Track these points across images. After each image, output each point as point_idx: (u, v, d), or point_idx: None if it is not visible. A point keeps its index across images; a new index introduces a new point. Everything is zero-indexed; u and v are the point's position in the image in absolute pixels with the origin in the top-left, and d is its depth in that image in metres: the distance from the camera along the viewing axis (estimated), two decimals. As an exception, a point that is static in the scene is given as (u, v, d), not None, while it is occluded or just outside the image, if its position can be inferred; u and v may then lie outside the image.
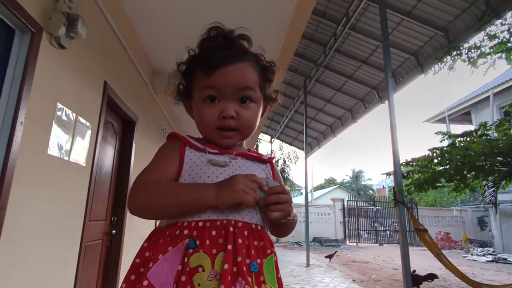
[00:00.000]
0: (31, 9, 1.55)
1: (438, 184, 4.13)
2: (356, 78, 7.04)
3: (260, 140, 15.13)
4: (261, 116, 0.82)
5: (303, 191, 30.22)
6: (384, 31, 3.75)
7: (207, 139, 0.77)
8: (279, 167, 18.06)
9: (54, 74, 1.80)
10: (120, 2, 2.64)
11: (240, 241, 0.64)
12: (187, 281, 0.60)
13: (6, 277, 1.47)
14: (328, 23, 5.85)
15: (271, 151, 15.91)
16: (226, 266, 0.60)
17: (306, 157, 8.80)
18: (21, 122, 1.51)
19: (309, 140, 9.68)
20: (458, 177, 3.94)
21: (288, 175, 18.40)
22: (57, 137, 1.84)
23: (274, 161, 0.87)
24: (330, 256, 7.98)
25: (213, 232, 0.64)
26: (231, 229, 0.65)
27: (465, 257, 10.61)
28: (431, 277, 4.99)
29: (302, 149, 11.53)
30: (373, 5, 4.98)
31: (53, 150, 1.80)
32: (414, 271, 4.63)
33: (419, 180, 3.98)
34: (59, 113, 1.84)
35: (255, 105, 0.76)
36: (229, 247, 0.62)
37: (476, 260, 9.88)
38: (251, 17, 2.75)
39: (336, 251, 8.61)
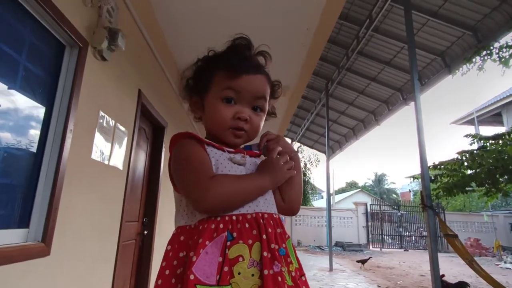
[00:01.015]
0: (79, 25, 1.69)
1: (468, 189, 4.01)
2: (379, 80, 6.94)
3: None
4: None
5: (324, 194, 29.83)
6: (410, 32, 3.70)
7: (216, 136, 0.81)
8: (299, 170, 17.97)
9: (97, 85, 1.93)
10: (153, 14, 2.77)
11: (270, 230, 0.71)
12: (229, 271, 0.65)
13: (60, 273, 1.60)
14: (351, 25, 5.82)
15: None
16: (265, 254, 0.67)
17: (328, 160, 8.73)
18: (71, 130, 1.64)
19: (330, 143, 9.59)
20: (489, 181, 3.80)
21: (309, 178, 18.23)
22: (99, 142, 1.97)
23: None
24: (363, 261, 7.93)
25: (247, 225, 0.71)
26: (261, 221, 0.72)
27: (498, 265, 10.10)
28: (462, 285, 4.80)
29: (324, 152, 11.43)
30: (397, 6, 4.92)
31: (96, 155, 1.93)
32: (443, 275, 4.48)
33: (448, 184, 3.87)
34: (101, 120, 1.98)
35: (263, 114, 0.84)
36: (264, 236, 0.69)
37: (510, 269, 9.39)
38: (277, 23, 2.81)
39: (370, 257, 8.55)
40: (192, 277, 0.63)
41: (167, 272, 0.69)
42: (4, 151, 1.33)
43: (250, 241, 0.68)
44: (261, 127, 0.85)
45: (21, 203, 1.43)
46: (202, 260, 0.65)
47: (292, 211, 0.88)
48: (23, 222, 1.43)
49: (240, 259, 0.66)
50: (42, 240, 1.46)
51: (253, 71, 0.79)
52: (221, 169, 0.75)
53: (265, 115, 0.86)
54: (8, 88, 1.33)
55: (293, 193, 0.86)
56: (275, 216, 0.77)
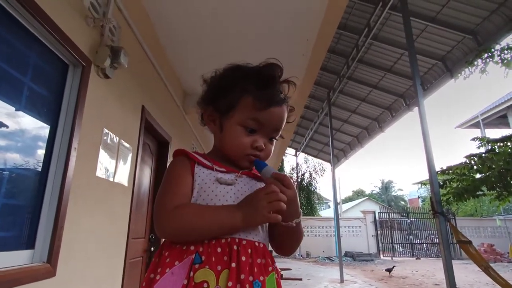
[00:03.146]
0: (82, 45, 1.71)
1: (479, 193, 3.93)
2: (381, 87, 6.95)
3: (285, 154, 15.09)
4: None
5: (330, 204, 29.49)
6: (409, 39, 3.72)
7: (227, 156, 0.80)
8: (305, 181, 17.85)
9: (101, 102, 1.95)
10: (155, 30, 2.82)
11: (243, 258, 0.66)
12: None
13: (65, 293, 1.57)
14: (350, 34, 5.88)
15: (297, 165, 15.79)
16: (230, 284, 0.62)
17: (333, 169, 8.66)
18: (75, 148, 1.64)
19: (335, 151, 9.55)
20: (500, 184, 3.73)
21: (315, 188, 18.08)
22: (104, 160, 1.97)
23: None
24: (389, 270, 8.08)
25: (219, 249, 0.67)
26: (235, 247, 0.67)
27: (514, 271, 9.80)
28: (479, 293, 4.64)
29: (328, 161, 11.37)
30: (395, 14, 4.97)
31: (100, 172, 1.93)
32: None
33: (458, 188, 3.80)
34: (105, 137, 1.98)
35: (275, 141, 0.85)
36: (233, 264, 0.65)
37: (527, 274, 9.09)
38: (277, 35, 2.84)
39: (394, 266, 8.60)
40: None
41: (147, 283, 0.68)
42: (9, 171, 1.33)
43: (219, 267, 0.65)
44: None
45: (26, 224, 1.42)
46: (165, 280, 0.64)
47: (280, 253, 0.84)
48: (29, 243, 1.42)
49: (205, 285, 0.63)
50: (48, 260, 1.44)
51: (281, 103, 0.79)
52: (204, 189, 0.73)
53: None
54: (16, 110, 1.34)
55: (286, 243, 0.81)
56: (257, 244, 0.71)
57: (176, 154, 0.80)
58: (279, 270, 0.75)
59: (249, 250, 0.69)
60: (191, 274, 0.64)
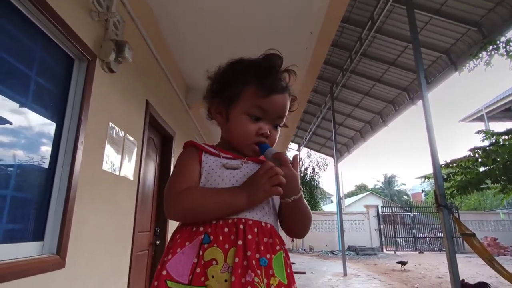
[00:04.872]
0: (87, 39, 1.72)
1: (483, 186, 3.92)
2: (384, 81, 6.91)
3: (288, 149, 15.09)
4: None
5: (333, 198, 29.52)
6: (413, 31, 3.69)
7: (236, 146, 0.83)
8: (308, 175, 17.85)
9: (106, 96, 1.96)
10: (158, 25, 2.82)
11: (250, 237, 0.69)
12: (202, 272, 0.65)
13: (76, 286, 1.60)
14: (353, 27, 5.83)
15: (299, 160, 15.81)
16: (236, 260, 0.65)
17: (336, 163, 8.66)
18: (82, 142, 1.66)
19: (338, 146, 9.54)
20: (505, 178, 3.72)
21: (318, 183, 18.09)
22: (110, 154, 1.98)
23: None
24: (403, 263, 8.11)
25: (226, 229, 0.70)
26: (241, 226, 0.70)
27: (518, 264, 9.80)
28: (482, 286, 4.66)
29: (331, 155, 11.37)
30: (399, 6, 4.92)
31: (107, 166, 1.94)
32: (463, 280, 4.36)
33: (462, 182, 3.80)
34: (110, 132, 1.99)
35: (280, 129, 0.87)
36: (239, 242, 0.67)
37: (530, 268, 9.09)
38: (280, 28, 2.83)
39: (407, 261, 8.55)
40: (164, 272, 0.67)
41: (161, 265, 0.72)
42: (18, 165, 1.34)
43: (226, 246, 0.68)
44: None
45: (35, 216, 1.44)
46: (177, 259, 0.68)
47: (292, 235, 0.85)
48: (38, 235, 1.44)
49: (214, 262, 0.66)
50: (57, 252, 1.46)
51: (284, 91, 0.82)
52: (211, 174, 0.77)
53: None
54: (23, 105, 1.35)
55: (291, 222, 0.81)
56: (263, 224, 0.74)
57: (185, 146, 0.84)
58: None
59: (256, 229, 0.71)
60: (201, 253, 0.67)
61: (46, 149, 1.52)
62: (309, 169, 17.85)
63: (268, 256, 0.69)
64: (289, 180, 0.75)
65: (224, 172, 0.77)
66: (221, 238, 0.68)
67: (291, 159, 0.79)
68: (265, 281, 0.65)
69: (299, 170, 0.81)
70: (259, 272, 0.65)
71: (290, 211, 0.79)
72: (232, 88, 0.82)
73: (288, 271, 0.71)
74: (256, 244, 0.69)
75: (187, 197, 0.72)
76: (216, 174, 0.77)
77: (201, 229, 0.71)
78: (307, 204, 0.83)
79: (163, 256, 0.72)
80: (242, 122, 0.80)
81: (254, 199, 0.72)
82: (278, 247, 0.72)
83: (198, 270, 0.66)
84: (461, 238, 12.07)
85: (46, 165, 1.50)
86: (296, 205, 0.78)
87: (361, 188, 44.24)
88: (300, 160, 16.10)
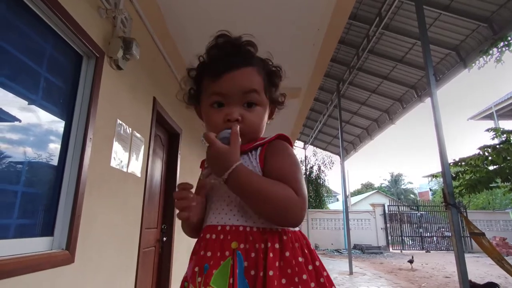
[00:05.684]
0: (95, 36, 1.73)
1: (492, 185, 3.86)
2: (392, 78, 6.84)
3: (294, 147, 15.02)
4: (269, 118, 0.83)
5: (339, 197, 29.35)
6: (422, 28, 3.63)
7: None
8: (314, 173, 17.78)
9: (114, 93, 1.97)
10: (165, 22, 2.82)
11: (201, 244, 0.72)
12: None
13: (84, 281, 1.61)
14: (360, 24, 5.77)
15: (305, 158, 15.75)
16: (196, 269, 0.68)
17: (342, 161, 8.61)
18: (90, 138, 1.67)
19: (344, 144, 9.48)
20: (515, 176, 3.66)
21: (324, 181, 18.03)
22: (118, 150, 2.00)
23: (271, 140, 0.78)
24: (411, 261, 8.20)
25: (213, 236, 0.72)
26: (201, 235, 0.74)
27: (527, 264, 9.64)
28: (491, 286, 4.60)
29: (337, 153, 11.31)
30: (408, 2, 4.85)
31: (115, 163, 1.96)
32: (470, 281, 4.31)
33: (471, 180, 3.74)
34: (118, 128, 2.01)
35: (260, 108, 0.77)
36: (202, 252, 0.71)
37: (540, 268, 8.94)
38: (288, 25, 2.81)
39: (412, 257, 8.64)
40: (185, 274, 0.74)
41: None
42: (29, 161, 1.36)
43: (194, 257, 0.74)
44: (263, 121, 0.78)
45: (45, 212, 1.46)
46: (190, 263, 0.74)
47: (281, 225, 0.69)
48: (48, 230, 1.45)
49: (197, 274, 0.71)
50: (67, 247, 1.48)
51: (235, 67, 0.74)
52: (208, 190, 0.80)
53: (266, 108, 0.79)
54: (31, 103, 1.37)
55: (249, 206, 0.69)
56: (219, 228, 0.70)
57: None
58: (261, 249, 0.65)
59: (208, 235, 0.71)
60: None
61: (56, 146, 1.53)
62: (315, 167, 17.78)
63: (211, 262, 0.65)
64: (209, 159, 0.69)
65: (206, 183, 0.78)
66: (209, 253, 0.71)
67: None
68: None
69: (236, 145, 0.68)
70: (199, 279, 0.65)
71: (237, 195, 0.69)
72: (195, 87, 0.82)
73: (231, 281, 0.61)
74: (204, 250, 0.69)
75: None
76: (208, 187, 0.79)
77: (201, 235, 0.75)
78: (266, 182, 0.67)
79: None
80: (208, 115, 0.77)
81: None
82: (227, 253, 0.65)
83: (199, 279, 0.71)
84: (469, 238, 11.94)
85: (55, 161, 1.52)
86: (233, 186, 0.67)
87: (367, 187, 43.96)
88: (306, 158, 16.05)
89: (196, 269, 0.67)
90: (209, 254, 0.68)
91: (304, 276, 0.63)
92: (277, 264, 0.63)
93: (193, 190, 0.74)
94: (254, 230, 0.67)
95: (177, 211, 0.72)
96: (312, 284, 0.63)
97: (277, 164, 0.72)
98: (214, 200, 0.76)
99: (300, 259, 0.65)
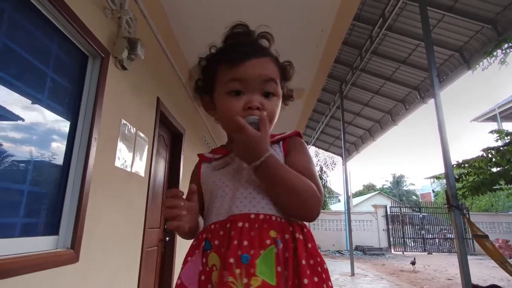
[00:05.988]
0: (101, 36, 1.74)
1: (495, 187, 3.84)
2: (395, 80, 6.82)
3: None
4: None
5: (341, 198, 29.33)
6: (426, 29, 3.63)
7: (232, 134, 0.73)
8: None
9: (119, 93, 1.97)
10: (169, 22, 2.83)
11: (232, 233, 0.65)
12: (207, 279, 0.65)
13: (88, 280, 1.62)
14: (363, 25, 5.76)
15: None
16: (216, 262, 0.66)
17: (344, 162, 8.60)
18: (95, 138, 1.68)
19: (346, 145, 9.46)
20: (519, 179, 3.64)
21: (326, 182, 18.01)
22: (122, 150, 2.01)
23: (291, 136, 0.80)
24: (413, 263, 8.23)
25: (221, 232, 0.68)
26: (228, 225, 0.67)
27: (530, 267, 9.58)
28: (494, 288, 4.57)
29: (340, 154, 11.29)
30: (411, 4, 4.84)
31: (119, 163, 1.97)
32: (473, 283, 4.29)
33: (474, 182, 3.73)
34: (123, 128, 2.01)
35: (276, 98, 0.75)
36: (216, 242, 0.67)
37: (543, 271, 8.88)
38: (291, 25, 2.81)
39: (414, 258, 8.68)
40: (178, 281, 0.69)
41: None
42: (34, 160, 1.37)
43: (222, 250, 0.65)
44: (277, 113, 0.76)
45: (51, 211, 1.47)
46: (188, 267, 0.69)
47: (290, 216, 0.70)
48: (53, 229, 1.46)
49: (214, 268, 0.65)
50: (71, 247, 1.49)
51: (255, 55, 0.73)
52: (205, 181, 0.79)
53: (280, 100, 0.78)
54: (36, 103, 1.37)
55: (273, 198, 0.69)
56: (252, 216, 0.67)
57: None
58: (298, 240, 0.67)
59: (240, 224, 0.65)
60: (204, 260, 0.68)
61: (61, 146, 1.54)
62: (317, 168, 17.77)
63: (252, 252, 0.62)
64: (240, 145, 0.66)
65: (215, 174, 0.77)
66: (216, 242, 0.67)
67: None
68: (245, 280, 0.59)
69: (267, 131, 0.67)
70: (238, 271, 0.60)
71: (264, 183, 0.68)
72: (208, 76, 0.79)
73: (279, 269, 0.61)
74: (239, 240, 0.63)
75: None
76: (210, 179, 0.77)
77: (204, 235, 0.71)
78: (293, 174, 0.67)
79: (186, 256, 0.73)
80: (225, 103, 0.72)
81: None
82: (268, 241, 0.63)
83: (203, 277, 0.66)
84: (471, 240, 11.88)
85: (61, 161, 1.53)
86: (263, 174, 0.67)
87: (369, 188, 43.83)
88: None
89: (231, 260, 0.61)
90: (245, 243, 0.63)
91: (325, 266, 0.68)
92: (304, 254, 0.66)
93: (184, 197, 0.70)
94: (284, 221, 0.68)
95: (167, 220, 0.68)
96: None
97: (299, 159, 0.74)
98: (231, 188, 0.72)
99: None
